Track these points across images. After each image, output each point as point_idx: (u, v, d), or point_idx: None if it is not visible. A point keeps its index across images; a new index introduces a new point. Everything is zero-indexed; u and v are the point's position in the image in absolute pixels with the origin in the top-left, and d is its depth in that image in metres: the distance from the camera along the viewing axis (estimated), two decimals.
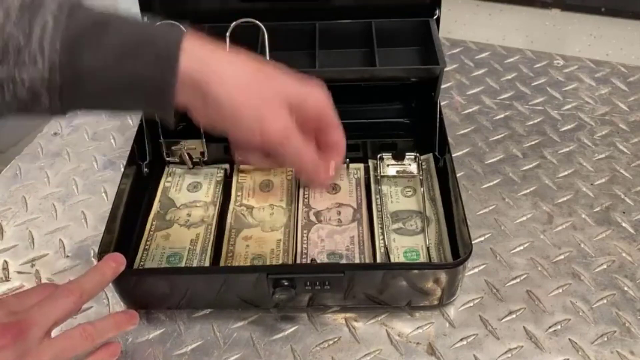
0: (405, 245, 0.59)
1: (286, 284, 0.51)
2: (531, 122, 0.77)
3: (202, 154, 0.67)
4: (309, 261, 0.58)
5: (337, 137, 0.48)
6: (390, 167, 0.67)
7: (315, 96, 0.45)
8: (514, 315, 0.56)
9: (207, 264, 0.58)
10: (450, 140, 0.67)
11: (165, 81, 0.40)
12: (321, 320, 0.56)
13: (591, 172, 0.70)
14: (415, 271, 0.53)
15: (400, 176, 0.66)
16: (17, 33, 0.37)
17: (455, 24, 2.04)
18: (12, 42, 0.37)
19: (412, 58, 0.65)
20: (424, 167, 0.67)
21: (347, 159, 0.66)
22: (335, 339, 0.55)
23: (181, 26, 0.43)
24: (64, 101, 0.40)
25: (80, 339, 0.45)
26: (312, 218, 0.63)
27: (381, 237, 0.60)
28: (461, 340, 0.54)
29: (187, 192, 0.66)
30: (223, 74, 0.41)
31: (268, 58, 0.60)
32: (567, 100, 0.80)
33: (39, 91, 0.38)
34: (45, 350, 0.43)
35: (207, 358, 0.54)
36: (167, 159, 0.68)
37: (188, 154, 0.67)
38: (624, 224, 0.64)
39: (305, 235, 0.61)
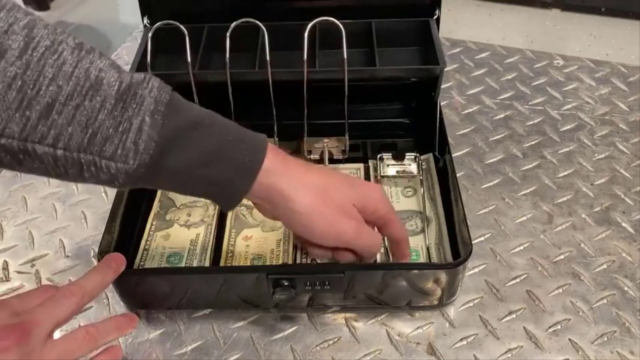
0: None
1: (286, 284, 0.51)
2: (531, 122, 0.77)
3: None
4: (309, 261, 0.58)
5: (399, 231, 0.53)
6: (390, 167, 0.67)
7: (372, 196, 0.51)
8: (514, 315, 0.56)
9: (207, 264, 0.58)
10: (450, 140, 0.67)
11: (239, 190, 0.44)
12: (321, 320, 0.56)
13: (591, 172, 0.70)
14: (415, 271, 0.53)
15: (400, 176, 0.66)
16: (109, 124, 0.38)
17: (455, 24, 2.03)
18: (102, 132, 0.38)
19: (412, 58, 0.65)
20: (424, 167, 0.67)
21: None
22: (335, 339, 0.55)
23: (264, 137, 0.46)
24: (137, 185, 0.41)
25: (84, 341, 0.45)
26: None
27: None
28: (461, 340, 0.54)
29: None
30: (296, 191, 0.46)
31: (268, 58, 0.60)
32: (567, 100, 0.80)
33: (119, 177, 0.39)
34: (48, 351, 0.42)
35: (207, 358, 0.54)
36: None
37: None
38: (624, 224, 0.64)
39: None
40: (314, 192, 0.47)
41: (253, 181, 0.44)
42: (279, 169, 0.45)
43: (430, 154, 0.67)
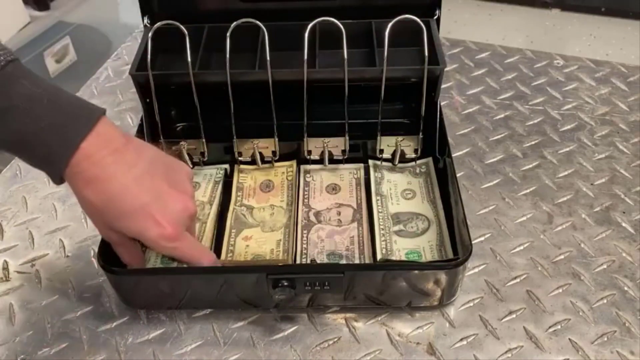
0: (406, 247, 0.59)
1: (286, 284, 0.51)
2: (531, 122, 0.77)
3: (202, 154, 0.67)
4: (308, 261, 0.58)
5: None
6: (388, 147, 0.66)
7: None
8: (514, 315, 0.56)
9: None
10: (450, 140, 0.67)
11: (54, 173, 0.46)
12: (321, 321, 0.56)
13: (591, 172, 0.70)
14: (415, 272, 0.53)
15: (399, 170, 0.66)
16: None
17: (455, 24, 2.04)
18: None
19: (412, 58, 0.65)
20: (423, 170, 0.67)
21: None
22: (335, 339, 0.55)
23: (95, 112, 0.46)
24: None
25: None
26: (312, 218, 0.63)
27: (383, 239, 0.60)
28: (461, 340, 0.54)
29: None
30: (88, 196, 0.47)
31: (268, 58, 0.60)
32: (567, 100, 0.80)
33: None
34: None
35: (207, 358, 0.54)
36: None
37: (188, 154, 0.67)
38: (624, 224, 0.64)
39: (305, 235, 0.61)
40: (106, 201, 0.47)
41: (61, 172, 0.45)
42: (96, 162, 0.46)
43: (430, 158, 0.67)
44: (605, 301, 0.57)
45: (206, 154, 0.67)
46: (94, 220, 0.50)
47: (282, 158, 0.68)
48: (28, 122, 0.43)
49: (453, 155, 0.68)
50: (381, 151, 0.67)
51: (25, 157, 0.45)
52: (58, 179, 0.46)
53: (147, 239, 0.49)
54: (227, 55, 0.60)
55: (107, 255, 0.53)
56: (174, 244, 0.50)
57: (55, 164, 0.45)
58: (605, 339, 0.54)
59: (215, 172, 0.68)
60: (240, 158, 0.68)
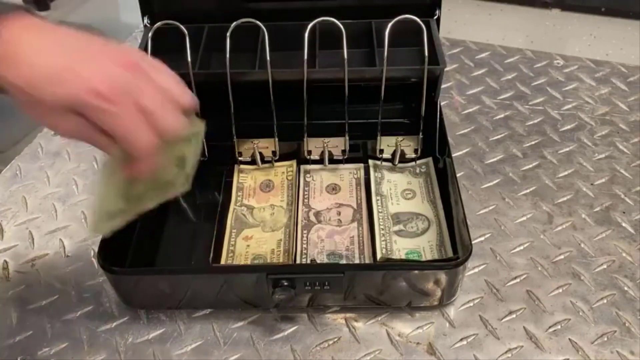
0: (407, 247, 0.59)
1: (286, 284, 0.51)
2: (531, 122, 0.77)
3: (203, 153, 0.67)
4: (308, 261, 0.58)
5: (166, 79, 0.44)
6: (388, 147, 0.66)
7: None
8: (514, 315, 0.56)
9: None
10: (450, 140, 0.67)
11: None
12: (321, 320, 0.56)
13: (591, 172, 0.70)
14: (415, 271, 0.53)
15: (399, 170, 0.66)
16: None
17: (455, 24, 2.04)
18: None
19: (412, 58, 0.65)
20: (423, 170, 0.67)
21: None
22: (335, 339, 0.55)
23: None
24: None
25: None
26: (312, 218, 0.63)
27: (383, 239, 0.60)
28: (461, 340, 0.54)
29: None
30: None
31: (268, 58, 0.60)
32: (567, 100, 0.80)
33: None
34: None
35: (207, 358, 0.54)
36: None
37: None
38: (624, 224, 0.64)
39: (305, 235, 0.61)
40: (37, 63, 0.39)
41: None
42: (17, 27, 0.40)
43: (430, 158, 0.67)
44: (605, 301, 0.57)
45: (206, 153, 0.67)
46: (35, 111, 0.40)
47: (282, 158, 0.68)
48: None
49: (453, 155, 0.68)
50: (381, 151, 0.67)
51: None
52: None
53: (79, 100, 0.39)
54: (227, 55, 0.60)
55: (107, 255, 0.53)
56: (112, 108, 0.39)
57: None
58: (605, 339, 0.54)
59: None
60: (240, 158, 0.68)
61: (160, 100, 0.42)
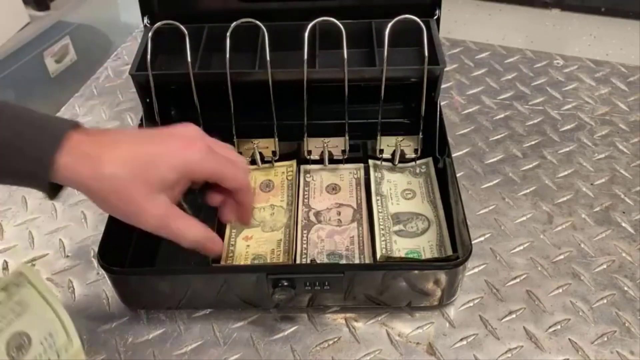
0: (406, 247, 0.59)
1: (286, 284, 0.51)
2: (531, 122, 0.77)
3: None
4: (308, 261, 0.58)
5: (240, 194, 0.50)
6: (388, 147, 0.66)
7: (203, 166, 0.46)
8: (514, 315, 0.56)
9: None
10: (450, 140, 0.67)
11: (42, 179, 0.42)
12: (321, 321, 0.56)
13: (591, 172, 0.70)
14: (415, 271, 0.53)
15: (399, 170, 0.66)
16: None
17: (455, 24, 2.04)
18: None
19: (412, 58, 0.65)
20: (423, 170, 0.67)
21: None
22: (335, 339, 0.55)
23: (69, 123, 0.43)
24: None
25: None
26: (312, 218, 0.63)
27: (383, 239, 0.60)
28: (461, 340, 0.54)
29: None
30: (105, 156, 0.42)
31: (268, 58, 0.60)
32: (567, 100, 0.80)
33: None
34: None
35: (207, 358, 0.54)
36: None
37: None
38: (624, 224, 0.64)
39: (305, 235, 0.61)
40: (129, 160, 0.43)
41: (52, 162, 0.40)
42: (93, 138, 0.42)
43: (430, 158, 0.67)
44: (605, 301, 0.57)
45: None
46: (127, 203, 0.43)
47: (282, 158, 0.68)
48: (8, 127, 0.40)
49: (453, 155, 0.68)
50: (381, 151, 0.67)
51: (10, 166, 0.41)
52: (46, 180, 0.42)
53: (192, 162, 0.44)
54: (227, 55, 0.60)
55: (107, 255, 0.53)
56: (214, 155, 0.46)
57: (44, 154, 0.41)
58: (605, 339, 0.54)
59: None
60: None
61: (222, 143, 0.49)
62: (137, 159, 0.43)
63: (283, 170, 0.68)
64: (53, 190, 0.43)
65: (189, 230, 0.46)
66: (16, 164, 0.41)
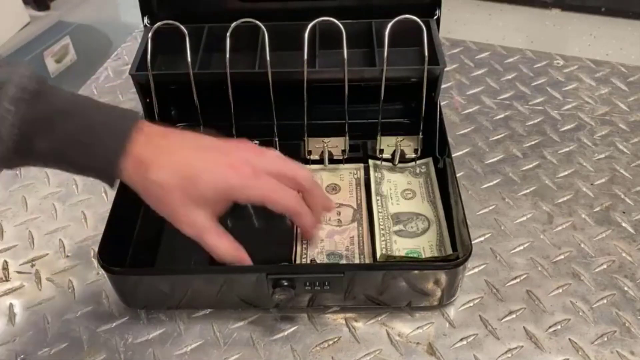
0: (406, 247, 0.59)
1: (286, 284, 0.51)
2: (531, 122, 0.77)
3: None
4: (308, 261, 0.58)
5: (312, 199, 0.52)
6: (388, 147, 0.66)
7: (247, 194, 0.49)
8: (514, 315, 0.56)
9: None
10: (450, 140, 0.67)
11: (109, 173, 0.45)
12: (321, 321, 0.56)
13: (591, 172, 0.70)
14: (415, 271, 0.53)
15: (399, 170, 0.66)
16: None
17: (455, 24, 2.04)
18: None
19: (412, 58, 0.65)
20: (423, 170, 0.67)
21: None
22: (335, 339, 0.55)
23: (132, 118, 0.46)
24: (14, 166, 0.44)
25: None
26: None
27: (383, 239, 0.60)
28: (461, 340, 0.54)
29: None
30: (159, 162, 0.45)
31: (268, 58, 0.60)
32: (567, 100, 0.80)
33: None
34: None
35: (207, 358, 0.54)
36: None
37: None
38: (624, 224, 0.64)
39: None
40: (177, 171, 0.46)
41: (117, 162, 0.44)
42: (151, 143, 0.45)
43: (430, 158, 0.67)
44: (605, 301, 0.57)
45: None
46: (175, 209, 0.47)
47: None
48: (79, 121, 0.43)
49: (453, 155, 0.68)
50: (381, 151, 0.67)
51: (78, 162, 0.45)
52: (112, 178, 0.45)
53: (231, 188, 0.47)
54: (227, 55, 0.60)
55: (107, 255, 0.53)
56: (257, 183, 0.47)
57: (112, 155, 0.44)
58: (605, 339, 0.54)
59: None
60: None
61: (281, 160, 0.50)
62: (183, 171, 0.46)
63: None
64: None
65: (218, 247, 0.49)
66: (84, 160, 0.44)
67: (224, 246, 0.49)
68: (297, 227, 0.60)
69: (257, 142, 0.66)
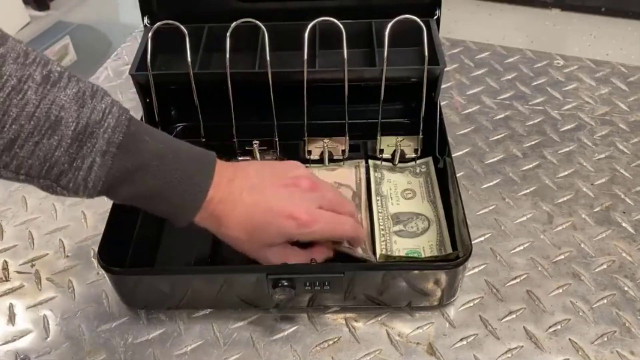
0: (406, 247, 0.59)
1: (286, 284, 0.51)
2: (531, 122, 0.77)
3: None
4: (308, 261, 0.58)
5: (345, 235, 0.56)
6: (388, 147, 0.66)
7: (308, 236, 0.53)
8: (514, 315, 0.56)
9: None
10: (450, 140, 0.67)
11: (182, 219, 0.50)
12: (321, 321, 0.56)
13: (591, 172, 0.70)
14: (415, 271, 0.53)
15: (399, 170, 0.66)
16: (64, 160, 0.43)
17: (455, 24, 2.04)
18: (58, 167, 0.43)
19: (412, 58, 0.65)
20: (423, 170, 0.67)
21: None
22: (335, 339, 0.55)
23: (209, 171, 0.50)
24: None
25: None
26: None
27: (383, 239, 0.60)
28: (461, 340, 0.54)
29: None
30: (228, 220, 0.50)
31: (268, 58, 0.60)
32: (567, 100, 0.80)
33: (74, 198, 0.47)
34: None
35: (207, 358, 0.54)
36: None
37: None
38: (624, 224, 0.64)
39: None
40: (244, 226, 0.51)
41: (193, 216, 0.49)
42: (220, 199, 0.50)
43: (430, 158, 0.67)
44: (605, 301, 0.57)
45: None
46: (250, 252, 0.53)
47: (282, 158, 0.68)
48: (160, 177, 0.46)
49: (453, 155, 0.68)
50: (381, 151, 0.67)
51: (157, 209, 0.49)
52: (187, 223, 0.50)
53: (291, 235, 0.52)
54: (227, 55, 0.60)
55: (107, 255, 0.53)
56: (314, 227, 0.51)
57: (188, 211, 0.49)
58: (605, 339, 0.54)
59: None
60: (240, 158, 0.68)
61: (333, 196, 0.55)
62: (251, 224, 0.51)
63: None
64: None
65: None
66: (163, 209, 0.49)
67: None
68: None
69: (257, 142, 0.66)
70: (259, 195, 0.51)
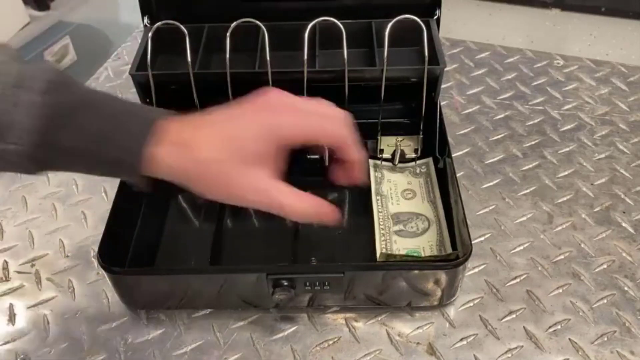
0: (406, 247, 0.59)
1: (286, 284, 0.51)
2: (531, 122, 0.77)
3: None
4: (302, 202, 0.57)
5: (349, 152, 0.47)
6: (388, 147, 0.66)
7: (291, 128, 0.44)
8: (514, 315, 0.56)
9: None
10: (450, 140, 0.67)
11: (134, 168, 0.42)
12: (321, 320, 0.56)
13: (591, 172, 0.70)
14: (415, 271, 0.53)
15: (399, 170, 0.66)
16: (6, 109, 0.39)
17: (455, 24, 2.03)
18: (2, 119, 0.39)
19: (412, 58, 0.65)
20: (423, 170, 0.67)
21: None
22: (335, 339, 0.55)
23: (159, 112, 0.44)
24: (40, 168, 0.42)
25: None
26: None
27: (383, 239, 0.60)
28: (461, 340, 0.54)
29: None
30: (199, 139, 0.42)
31: (268, 58, 0.60)
32: (567, 100, 0.80)
33: (22, 162, 0.41)
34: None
35: (207, 358, 0.54)
36: None
37: None
38: (624, 224, 0.64)
39: None
40: (219, 139, 0.43)
41: (141, 152, 0.41)
42: (181, 123, 0.43)
43: (430, 158, 0.67)
44: (605, 301, 0.57)
45: None
46: (231, 184, 0.43)
47: None
48: (102, 112, 0.42)
49: (453, 155, 0.68)
50: (381, 151, 0.67)
51: (104, 154, 0.42)
52: (141, 172, 0.42)
53: (276, 126, 0.44)
54: (227, 55, 0.60)
55: (107, 255, 0.53)
56: (299, 113, 0.45)
57: (138, 145, 0.41)
58: (605, 339, 0.54)
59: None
60: None
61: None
62: (228, 138, 0.42)
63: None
64: (146, 180, 0.43)
65: (297, 202, 0.44)
66: (109, 152, 0.42)
67: (304, 201, 0.44)
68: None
69: None
70: (228, 111, 0.44)
